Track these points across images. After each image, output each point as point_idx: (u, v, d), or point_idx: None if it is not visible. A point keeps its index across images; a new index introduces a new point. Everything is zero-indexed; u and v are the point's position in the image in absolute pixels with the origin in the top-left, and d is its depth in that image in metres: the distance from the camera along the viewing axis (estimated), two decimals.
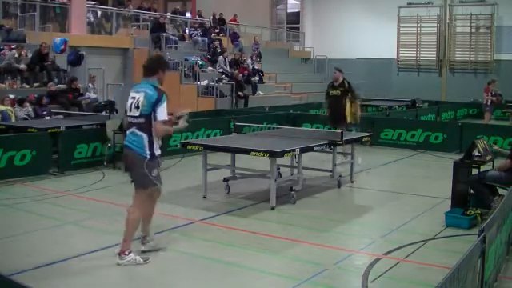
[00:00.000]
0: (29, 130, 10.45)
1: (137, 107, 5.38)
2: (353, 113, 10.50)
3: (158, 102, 5.34)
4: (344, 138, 8.68)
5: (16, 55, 15.47)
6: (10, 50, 15.61)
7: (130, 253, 5.54)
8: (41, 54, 15.77)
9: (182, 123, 5.69)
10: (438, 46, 26.68)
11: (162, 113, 5.34)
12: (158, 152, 5.46)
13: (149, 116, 5.35)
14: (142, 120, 5.38)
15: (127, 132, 5.54)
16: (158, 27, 20.58)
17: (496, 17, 25.24)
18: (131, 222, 5.54)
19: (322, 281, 5.25)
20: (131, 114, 5.44)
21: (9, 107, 13.05)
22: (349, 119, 10.48)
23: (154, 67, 5.57)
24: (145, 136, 5.36)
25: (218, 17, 24.77)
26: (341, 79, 10.79)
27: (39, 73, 15.85)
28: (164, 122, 5.40)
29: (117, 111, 16.07)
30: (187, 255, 5.91)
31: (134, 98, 5.46)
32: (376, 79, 25.75)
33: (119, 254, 5.53)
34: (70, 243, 6.29)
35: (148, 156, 5.37)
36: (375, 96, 22.63)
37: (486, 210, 7.14)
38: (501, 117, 21.17)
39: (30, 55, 15.95)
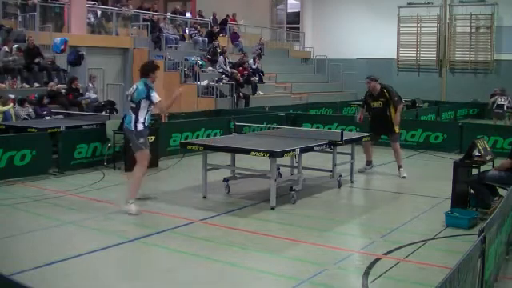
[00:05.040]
0: (29, 130, 10.44)
1: (132, 96, 7.47)
2: (399, 122, 10.11)
3: (149, 91, 7.34)
4: (344, 138, 8.68)
5: (6, 49, 15.44)
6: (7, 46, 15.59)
7: (132, 203, 7.35)
8: (30, 49, 15.75)
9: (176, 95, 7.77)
10: (438, 46, 26.67)
11: (155, 97, 7.36)
12: (140, 127, 7.44)
13: (138, 103, 7.39)
14: (133, 105, 7.47)
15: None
16: (154, 27, 20.60)
17: (496, 17, 25.23)
18: (135, 178, 7.52)
19: (321, 281, 5.25)
20: (129, 100, 7.55)
21: (10, 107, 13.06)
22: (397, 130, 10.09)
23: (146, 71, 7.52)
24: (133, 116, 7.45)
25: (220, 17, 24.77)
26: (378, 88, 10.05)
27: (39, 73, 15.85)
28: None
29: (117, 111, 16.09)
30: (187, 255, 5.91)
31: (132, 88, 7.57)
32: None
33: (126, 201, 7.37)
34: (70, 243, 6.28)
35: (133, 129, 7.44)
36: None
37: (485, 210, 7.15)
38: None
39: None
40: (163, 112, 7.83)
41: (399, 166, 10.08)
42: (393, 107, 10.06)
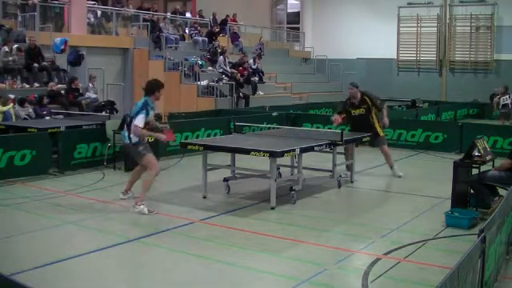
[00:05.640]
0: (29, 130, 10.44)
1: (131, 111, 7.63)
2: (381, 126, 10.07)
3: (139, 111, 7.32)
4: (344, 138, 8.68)
5: (6, 49, 15.42)
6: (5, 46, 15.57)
7: (141, 205, 7.37)
8: (31, 49, 15.74)
9: (158, 136, 7.73)
10: (438, 46, 26.66)
11: (138, 119, 7.30)
12: (134, 140, 7.44)
13: (131, 119, 7.45)
14: (128, 120, 7.59)
15: None
16: (154, 27, 20.60)
17: (496, 17, 25.22)
18: (147, 181, 7.57)
19: (321, 281, 5.25)
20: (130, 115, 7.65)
21: (10, 107, 13.06)
22: (381, 133, 10.07)
23: (151, 89, 7.53)
24: (126, 131, 7.53)
25: (220, 17, 24.76)
26: (358, 96, 9.98)
27: (39, 73, 15.84)
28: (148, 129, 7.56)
29: (117, 111, 16.09)
30: (187, 255, 5.91)
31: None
32: (376, 79, 25.73)
33: (135, 204, 7.43)
34: (70, 243, 6.28)
35: (128, 142, 7.51)
36: None
37: (485, 210, 7.15)
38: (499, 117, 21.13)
39: None
40: (134, 134, 7.41)
41: (391, 167, 10.09)
42: (375, 112, 10.02)
